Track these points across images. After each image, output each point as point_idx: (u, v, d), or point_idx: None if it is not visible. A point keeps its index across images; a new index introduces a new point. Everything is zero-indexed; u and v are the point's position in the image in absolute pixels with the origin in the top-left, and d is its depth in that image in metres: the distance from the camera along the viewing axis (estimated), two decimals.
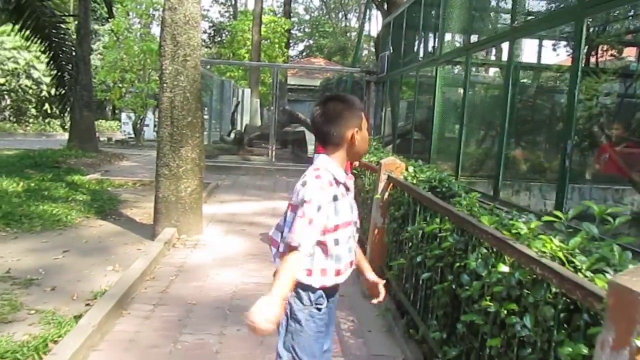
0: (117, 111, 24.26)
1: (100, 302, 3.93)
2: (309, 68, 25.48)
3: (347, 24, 51.40)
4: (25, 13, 9.93)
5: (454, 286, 2.66)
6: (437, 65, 7.75)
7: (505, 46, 6.11)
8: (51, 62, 9.16)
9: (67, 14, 13.22)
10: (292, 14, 38.45)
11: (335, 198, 1.99)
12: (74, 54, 10.01)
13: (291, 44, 46.91)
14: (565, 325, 1.82)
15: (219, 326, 3.84)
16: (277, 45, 27.02)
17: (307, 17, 53.44)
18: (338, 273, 2.07)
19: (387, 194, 4.44)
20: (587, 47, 8.43)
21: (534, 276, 1.98)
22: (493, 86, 7.92)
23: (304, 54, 50.83)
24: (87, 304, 4.14)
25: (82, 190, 8.90)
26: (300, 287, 2.02)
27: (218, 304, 4.26)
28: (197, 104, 6.26)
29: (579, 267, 1.88)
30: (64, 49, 9.72)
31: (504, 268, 2.14)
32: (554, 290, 1.88)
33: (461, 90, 6.68)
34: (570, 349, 1.66)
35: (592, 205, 2.20)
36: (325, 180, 1.98)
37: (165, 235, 5.91)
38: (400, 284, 3.94)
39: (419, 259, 3.33)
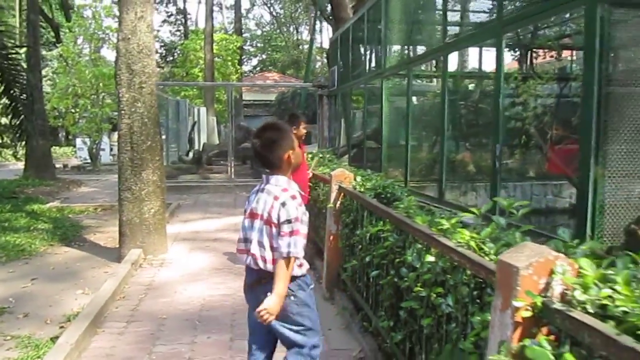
0: (70, 137, 23.99)
1: (75, 322, 4.16)
2: (263, 85, 25.94)
3: (299, 37, 52.13)
4: None
5: (396, 279, 3.06)
6: (383, 78, 8.24)
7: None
8: (3, 93, 9.25)
9: (18, 44, 13.16)
10: (243, 30, 38.86)
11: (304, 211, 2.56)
12: (26, 83, 10.08)
13: (244, 60, 47.22)
14: (478, 300, 2.23)
15: (190, 336, 4.13)
16: (230, 63, 27.30)
17: (259, 32, 53.91)
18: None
19: (338, 202, 4.83)
20: (522, 51, 9.08)
21: (454, 263, 2.38)
22: (433, 95, 8.47)
23: (258, 68, 51.21)
24: (62, 327, 4.34)
25: (43, 219, 8.96)
26: (298, 279, 2.61)
27: (187, 316, 4.54)
28: (155, 128, 6.53)
29: (488, 252, 2.30)
30: (17, 79, 9.79)
31: (430, 258, 2.54)
32: (468, 272, 2.29)
33: (405, 101, 7.16)
34: (479, 317, 2.06)
35: (501, 200, 2.64)
36: (299, 199, 2.53)
37: (131, 256, 6.13)
38: (355, 283, 4.32)
39: (367, 259, 3.73)
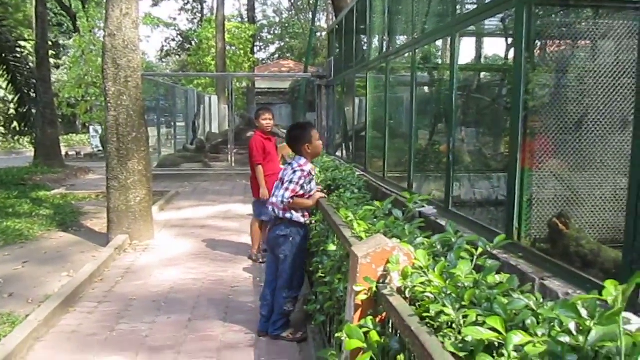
0: (86, 125, 24.61)
1: (49, 301, 4.53)
2: (263, 76, 26.16)
3: (318, 24, 51.92)
4: None
5: (320, 265, 3.32)
6: (367, 71, 8.43)
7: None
8: (9, 84, 9.67)
9: (22, 38, 13.63)
10: (261, 17, 39.00)
11: (309, 179, 3.86)
12: (32, 76, 10.52)
13: (262, 47, 47.42)
14: None
15: (152, 316, 4.46)
16: (242, 51, 27.53)
17: (277, 19, 53.92)
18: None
19: None
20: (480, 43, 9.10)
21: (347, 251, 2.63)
22: (406, 89, 8.61)
23: (276, 56, 51.33)
24: (39, 306, 4.71)
25: (45, 205, 9.41)
26: (299, 226, 3.85)
27: (155, 298, 4.88)
28: (141, 120, 6.85)
29: None
30: (22, 71, 10.21)
31: (332, 247, 2.80)
32: None
33: (383, 93, 7.35)
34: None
35: (405, 195, 2.88)
36: (308, 173, 3.85)
37: (116, 241, 6.50)
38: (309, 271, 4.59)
39: (307, 246, 4.00)
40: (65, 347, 3.88)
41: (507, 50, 6.00)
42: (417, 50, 6.03)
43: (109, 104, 6.69)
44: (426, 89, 7.70)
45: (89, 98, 17.78)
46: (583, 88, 3.73)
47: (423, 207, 5.12)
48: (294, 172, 3.77)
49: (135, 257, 6.27)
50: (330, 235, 3.21)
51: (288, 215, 3.83)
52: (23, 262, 6.11)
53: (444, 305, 1.57)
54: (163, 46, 39.21)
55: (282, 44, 52.01)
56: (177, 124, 17.47)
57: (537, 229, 3.82)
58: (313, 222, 3.87)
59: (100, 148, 20.25)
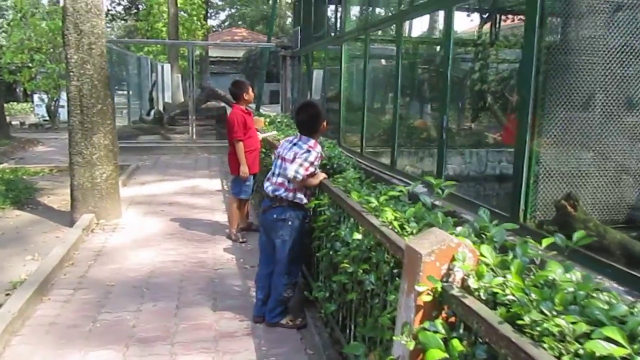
0: (28, 93, 23.12)
1: (20, 290, 4.15)
2: (226, 44, 25.32)
3: None
4: None
5: (331, 252, 3.13)
6: (342, 43, 8.17)
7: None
8: None
9: None
10: None
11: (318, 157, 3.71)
12: None
13: (212, 14, 45.86)
14: (397, 279, 2.32)
15: (136, 304, 4.17)
16: (195, 18, 26.46)
17: None
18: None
19: None
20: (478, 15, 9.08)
21: (377, 241, 2.46)
22: (389, 60, 8.45)
23: (227, 23, 49.84)
24: (7, 294, 4.32)
25: None
26: (300, 209, 3.69)
27: (135, 283, 4.58)
28: (106, 91, 6.37)
29: (409, 232, 2.38)
30: None
31: (358, 236, 2.61)
32: (391, 252, 2.37)
33: (362, 66, 7.14)
34: (393, 296, 2.15)
35: (430, 179, 2.71)
36: (318, 154, 3.67)
37: (83, 221, 6.09)
38: (305, 255, 4.40)
39: (311, 230, 3.80)
40: (45, 340, 3.56)
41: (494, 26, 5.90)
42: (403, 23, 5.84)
43: (71, 73, 6.17)
44: (410, 62, 7.54)
45: (34, 65, 16.60)
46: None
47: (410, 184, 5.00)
48: (308, 151, 3.57)
49: (105, 237, 5.89)
50: (345, 221, 3.02)
51: (290, 195, 3.61)
52: None
53: (542, 312, 1.43)
54: (108, 10, 37.23)
55: (233, 10, 50.55)
56: (130, 93, 16.60)
57: (542, 210, 3.77)
58: (315, 205, 3.64)
59: (47, 118, 19.12)
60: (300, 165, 3.51)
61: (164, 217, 6.80)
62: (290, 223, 3.63)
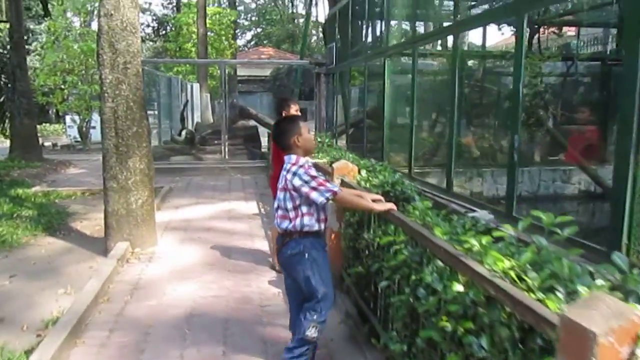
0: (61, 114, 23.28)
1: (52, 332, 3.77)
2: (259, 62, 25.18)
3: (294, 11, 50.86)
4: None
5: (411, 299, 2.66)
6: (385, 57, 7.74)
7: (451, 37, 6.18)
8: None
9: None
10: (238, 2, 37.85)
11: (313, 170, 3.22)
12: (8, 61, 9.52)
13: (238, 34, 46.19)
14: (520, 345, 1.83)
15: (178, 348, 3.74)
16: (223, 38, 26.50)
17: (253, 5, 52.64)
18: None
19: None
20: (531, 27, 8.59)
21: (488, 295, 1.97)
22: (441, 74, 7.99)
23: (252, 43, 50.16)
24: (39, 335, 3.97)
25: (27, 204, 8.52)
26: (313, 237, 3.20)
27: (176, 323, 4.15)
28: (142, 112, 6.06)
29: (531, 287, 1.89)
30: None
31: (458, 287, 2.13)
32: (508, 310, 1.89)
33: (410, 81, 6.70)
34: None
35: (541, 215, 2.22)
36: (308, 166, 3.16)
37: (117, 250, 5.73)
38: (360, 290, 3.93)
39: (376, 266, 3.33)
40: None
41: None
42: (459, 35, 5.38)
43: (106, 94, 5.87)
44: (469, 76, 7.07)
45: (66, 86, 16.64)
46: None
47: (475, 211, 4.51)
48: (294, 174, 3.07)
49: (141, 268, 5.51)
50: (429, 263, 2.54)
51: (297, 224, 3.13)
52: (10, 276, 5.32)
53: None
54: None
55: (259, 30, 50.86)
56: (161, 113, 16.47)
57: None
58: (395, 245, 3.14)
59: (79, 139, 19.14)
60: (313, 189, 3.03)
61: (201, 245, 6.40)
62: (307, 255, 3.12)
